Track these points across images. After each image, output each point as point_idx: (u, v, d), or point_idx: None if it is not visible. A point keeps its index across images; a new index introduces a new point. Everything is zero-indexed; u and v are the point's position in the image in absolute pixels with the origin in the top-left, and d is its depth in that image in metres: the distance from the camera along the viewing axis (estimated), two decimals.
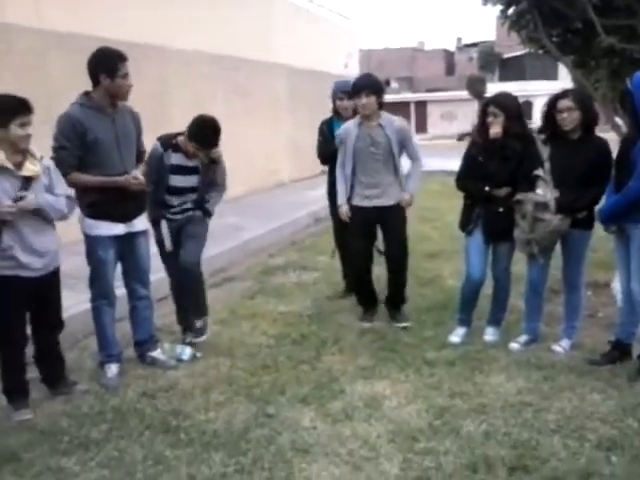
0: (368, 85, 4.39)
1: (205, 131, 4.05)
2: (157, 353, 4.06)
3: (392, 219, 4.54)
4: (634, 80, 3.46)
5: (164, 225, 4.18)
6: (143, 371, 3.93)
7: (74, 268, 4.21)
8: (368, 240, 4.66)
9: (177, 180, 4.12)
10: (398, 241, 4.58)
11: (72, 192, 3.51)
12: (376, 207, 4.48)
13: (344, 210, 4.57)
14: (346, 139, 4.51)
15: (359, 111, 4.48)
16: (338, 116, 5.04)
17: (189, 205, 4.24)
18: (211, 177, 4.24)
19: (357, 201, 4.54)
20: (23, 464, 2.90)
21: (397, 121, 4.55)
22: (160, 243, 4.26)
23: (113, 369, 3.83)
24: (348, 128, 4.52)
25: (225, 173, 4.37)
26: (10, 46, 6.77)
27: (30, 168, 3.23)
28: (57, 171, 3.42)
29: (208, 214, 4.28)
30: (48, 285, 3.40)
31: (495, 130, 3.96)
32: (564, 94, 3.83)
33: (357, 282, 4.86)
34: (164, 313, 4.97)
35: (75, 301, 4.53)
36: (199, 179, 4.19)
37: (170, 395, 3.58)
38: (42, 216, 3.29)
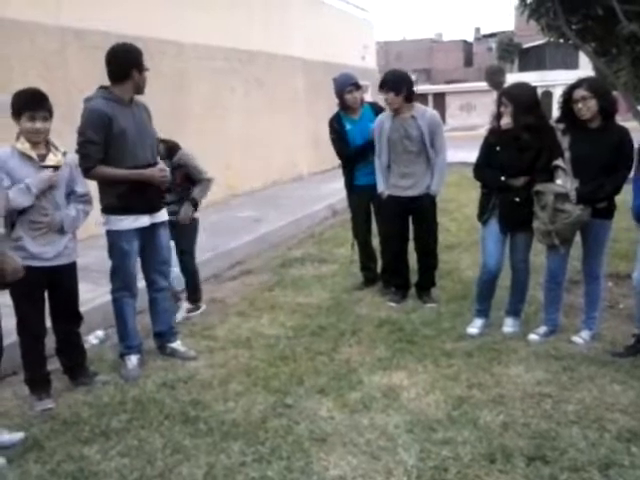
0: (389, 82, 4.58)
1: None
2: (177, 344, 4.10)
3: (423, 207, 4.73)
4: None
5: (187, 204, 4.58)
6: (163, 362, 3.97)
7: (94, 262, 4.28)
8: (401, 227, 4.86)
9: None
10: (428, 227, 4.83)
11: (89, 191, 3.55)
12: (408, 197, 4.67)
13: (385, 196, 4.78)
14: (380, 131, 4.68)
15: (386, 105, 4.70)
16: (346, 110, 5.07)
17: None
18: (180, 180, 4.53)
19: (391, 191, 4.74)
20: (46, 452, 2.95)
21: (429, 112, 4.72)
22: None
23: (133, 360, 3.88)
24: (382, 120, 4.71)
25: (198, 169, 4.64)
26: (31, 43, 6.86)
27: (52, 159, 3.30)
28: (79, 169, 3.48)
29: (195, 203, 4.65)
30: (63, 276, 3.44)
31: (505, 121, 3.96)
32: (579, 83, 3.79)
33: (393, 263, 5.05)
34: (184, 305, 5.02)
35: (96, 293, 4.60)
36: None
37: (189, 386, 3.62)
38: (56, 228, 3.35)
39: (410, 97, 4.60)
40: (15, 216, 3.19)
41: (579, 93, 3.73)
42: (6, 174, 3.16)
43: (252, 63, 11.39)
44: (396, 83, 4.56)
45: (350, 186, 5.20)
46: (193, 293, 4.93)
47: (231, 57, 10.73)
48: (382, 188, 4.79)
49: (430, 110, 4.77)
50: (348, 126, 5.03)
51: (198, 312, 4.92)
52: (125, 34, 6.59)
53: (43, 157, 3.29)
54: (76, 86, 6.30)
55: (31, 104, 3.22)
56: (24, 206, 3.20)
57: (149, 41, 7.63)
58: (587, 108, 3.72)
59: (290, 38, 13.09)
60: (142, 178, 3.66)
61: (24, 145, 3.23)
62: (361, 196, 5.10)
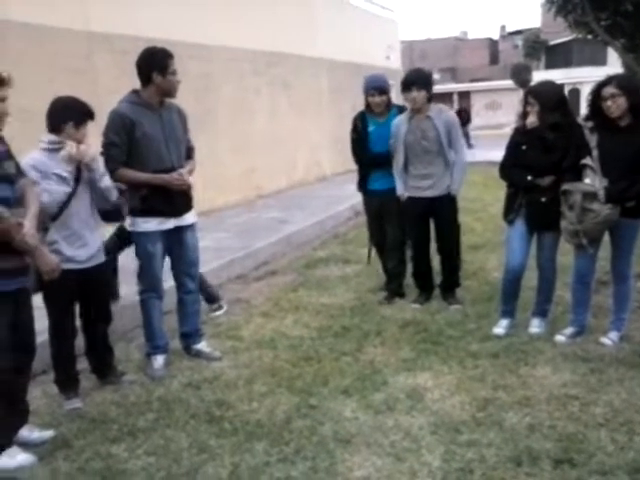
0: (418, 80, 4.53)
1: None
2: (202, 345, 4.13)
3: (444, 208, 4.69)
4: None
5: None
6: (188, 362, 4.01)
7: (122, 262, 4.34)
8: (423, 228, 4.83)
9: None
10: (450, 228, 4.78)
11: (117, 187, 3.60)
12: (427, 197, 4.65)
13: (404, 198, 4.75)
14: (397, 134, 4.65)
15: (410, 105, 4.58)
16: (371, 111, 4.94)
17: None
18: None
19: (411, 192, 4.71)
20: (74, 450, 3.01)
21: (445, 111, 4.68)
22: None
23: (159, 360, 3.92)
24: (398, 123, 4.67)
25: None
26: (59, 48, 6.99)
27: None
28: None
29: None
30: (95, 278, 3.49)
31: (531, 119, 3.92)
32: (608, 81, 3.72)
33: (415, 265, 5.03)
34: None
35: (124, 293, 4.67)
36: None
37: (214, 386, 3.65)
38: (99, 193, 3.42)
39: (431, 97, 4.58)
40: (48, 221, 3.26)
41: (608, 90, 3.67)
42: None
43: (277, 65, 11.45)
44: (425, 81, 4.54)
45: (363, 190, 5.12)
46: (207, 294, 4.91)
47: (257, 59, 10.80)
48: (401, 191, 4.74)
49: (446, 109, 4.72)
50: (371, 127, 4.90)
51: (222, 311, 4.95)
52: (153, 38, 6.67)
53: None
54: (104, 91, 6.40)
55: (92, 113, 3.35)
56: (64, 198, 3.26)
57: (176, 44, 7.70)
58: (616, 106, 3.65)
59: (315, 39, 13.13)
60: (161, 183, 3.69)
61: None
62: (374, 200, 5.02)
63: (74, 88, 3.88)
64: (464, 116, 21.49)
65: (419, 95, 4.49)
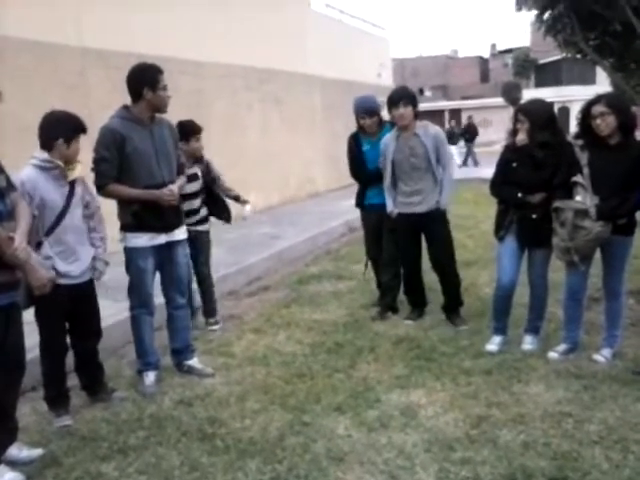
0: (405, 96, 4.57)
1: (180, 125, 4.51)
2: (193, 361, 4.10)
3: (435, 224, 4.69)
4: None
5: None
6: (180, 379, 3.98)
7: (112, 278, 4.29)
8: (414, 244, 4.84)
9: (185, 187, 4.35)
10: (443, 245, 4.76)
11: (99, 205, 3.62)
12: (418, 213, 4.65)
13: (394, 215, 4.77)
14: (385, 152, 4.69)
15: (396, 122, 4.63)
16: (364, 131, 5.02)
17: (198, 217, 4.83)
18: (213, 176, 4.93)
19: (400, 208, 4.72)
20: (64, 469, 2.96)
21: (431, 127, 4.71)
22: None
23: (151, 377, 3.89)
24: (387, 142, 4.70)
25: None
26: (53, 64, 7.00)
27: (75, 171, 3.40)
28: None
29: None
30: (85, 294, 3.48)
31: (520, 137, 3.96)
32: (598, 99, 3.76)
33: (407, 282, 5.02)
34: (201, 322, 5.04)
35: (114, 310, 4.63)
36: (201, 184, 4.81)
37: (206, 403, 3.62)
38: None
39: (417, 114, 4.62)
40: (42, 235, 3.24)
41: (598, 109, 3.71)
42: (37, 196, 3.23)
43: (269, 81, 11.51)
44: (411, 98, 4.58)
45: (361, 205, 5.19)
46: (211, 307, 5.01)
47: (249, 75, 10.85)
48: (391, 207, 4.76)
49: (432, 126, 4.74)
50: (366, 147, 4.98)
51: (218, 327, 4.96)
52: (145, 54, 6.70)
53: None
54: (97, 106, 6.40)
55: (84, 127, 3.35)
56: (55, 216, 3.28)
57: (169, 60, 7.75)
58: (606, 124, 3.69)
59: (307, 56, 13.22)
60: (152, 198, 3.68)
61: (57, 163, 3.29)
62: (372, 215, 5.06)
63: (67, 103, 3.88)
64: (472, 132, 21.19)
65: (406, 111, 4.52)
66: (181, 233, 3.95)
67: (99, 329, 3.66)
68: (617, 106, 3.71)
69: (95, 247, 3.51)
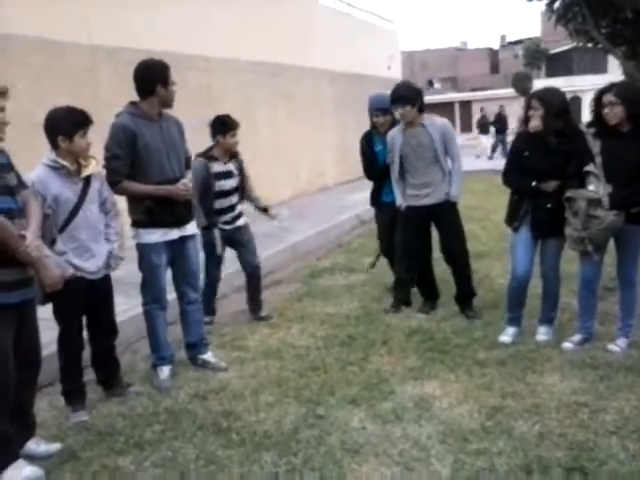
0: (403, 97, 4.55)
1: (217, 120, 4.72)
2: (208, 355, 4.12)
3: (445, 215, 4.68)
4: None
5: (216, 232, 4.72)
6: (194, 373, 4.00)
7: (126, 274, 4.32)
8: (424, 236, 4.84)
9: (221, 185, 4.70)
10: (454, 236, 4.75)
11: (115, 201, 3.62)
12: (427, 205, 4.64)
13: (403, 208, 4.78)
14: (392, 146, 4.69)
15: (400, 119, 4.65)
16: (376, 130, 5.05)
17: (235, 213, 4.85)
18: (245, 177, 4.93)
19: (410, 201, 4.72)
20: (82, 463, 2.99)
21: (438, 120, 4.70)
22: (209, 247, 4.75)
23: (165, 371, 3.91)
24: (393, 136, 4.70)
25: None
26: (63, 61, 7.03)
27: (89, 168, 3.39)
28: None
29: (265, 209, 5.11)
30: (101, 290, 3.50)
31: (534, 123, 3.91)
32: (609, 88, 3.73)
33: (419, 274, 5.01)
34: (216, 316, 5.06)
35: (128, 306, 4.67)
36: (237, 180, 4.82)
37: (221, 396, 3.63)
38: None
39: (422, 108, 4.60)
40: (55, 233, 3.26)
41: (607, 98, 3.68)
42: (49, 194, 3.23)
43: (279, 76, 11.50)
44: (410, 96, 4.54)
45: (376, 203, 5.21)
46: (258, 300, 5.13)
47: (258, 70, 10.85)
48: (400, 201, 4.76)
49: (439, 118, 4.73)
50: (379, 146, 4.99)
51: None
52: (154, 50, 6.71)
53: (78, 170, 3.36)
54: (107, 103, 6.42)
55: (88, 120, 3.32)
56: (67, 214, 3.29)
57: (177, 56, 7.75)
58: (614, 114, 3.67)
59: (316, 50, 13.19)
60: (165, 194, 3.70)
61: (65, 161, 3.29)
62: (386, 213, 5.07)
63: (77, 100, 3.89)
64: (502, 122, 20.44)
65: (405, 111, 4.51)
66: (192, 228, 3.96)
67: (115, 326, 3.68)
68: (626, 96, 3.67)
69: (110, 242, 3.51)
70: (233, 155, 4.82)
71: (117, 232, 3.56)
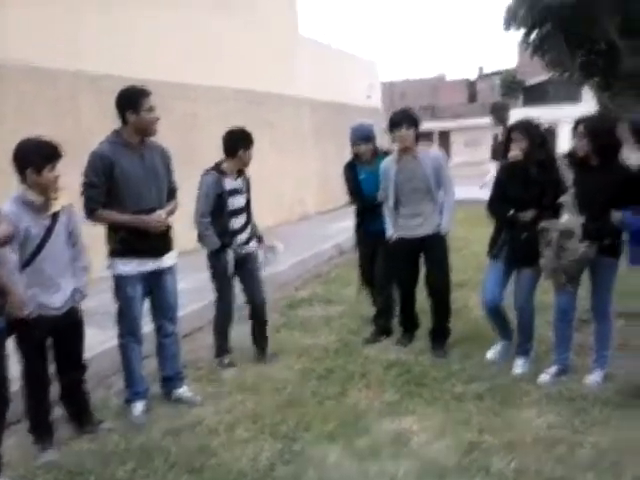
0: (406, 118, 4.58)
1: (243, 133, 4.60)
2: (183, 390, 4.05)
3: (434, 248, 4.68)
4: None
5: (230, 253, 4.49)
6: (169, 408, 3.93)
7: (100, 305, 4.26)
8: (413, 268, 4.80)
9: (233, 202, 4.50)
10: (441, 271, 4.73)
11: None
12: (418, 237, 4.63)
13: (393, 239, 4.75)
14: (387, 175, 4.68)
15: (396, 145, 4.65)
16: (359, 159, 5.08)
17: (247, 234, 4.62)
18: (250, 195, 4.70)
19: (401, 232, 4.70)
20: None
21: (432, 152, 4.76)
22: (220, 271, 4.53)
23: (139, 407, 3.84)
24: (387, 165, 4.71)
25: None
26: (45, 88, 7.01)
27: (58, 202, 3.35)
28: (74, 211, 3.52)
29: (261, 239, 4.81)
30: (68, 323, 3.43)
31: (514, 153, 4.00)
32: (581, 120, 3.84)
33: (402, 305, 5.00)
34: (190, 349, 4.99)
35: (102, 338, 4.57)
36: (245, 198, 4.62)
37: (195, 432, 3.57)
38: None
39: (418, 137, 4.63)
40: (20, 266, 3.20)
41: (578, 130, 3.79)
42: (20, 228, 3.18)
43: (261, 104, 11.57)
44: (413, 120, 4.58)
45: (358, 232, 5.23)
46: (265, 341, 4.84)
47: (241, 98, 10.91)
48: (391, 231, 4.74)
49: (433, 150, 4.78)
50: (362, 175, 5.03)
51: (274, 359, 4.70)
52: (137, 78, 6.71)
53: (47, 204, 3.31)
54: (89, 131, 6.40)
55: (58, 154, 3.27)
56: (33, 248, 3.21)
57: (161, 84, 7.78)
58: (581, 146, 3.77)
59: (297, 79, 13.32)
60: (140, 224, 3.66)
61: (33, 195, 3.24)
62: (368, 242, 5.09)
63: (59, 127, 3.87)
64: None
65: (408, 133, 4.51)
66: (170, 259, 3.91)
67: (83, 361, 3.61)
68: (592, 129, 3.76)
69: (76, 277, 3.46)
70: (240, 172, 4.62)
71: (84, 267, 3.52)
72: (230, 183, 4.48)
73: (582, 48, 8.50)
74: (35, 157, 3.20)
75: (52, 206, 3.31)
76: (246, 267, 4.63)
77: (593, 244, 3.73)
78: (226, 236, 4.46)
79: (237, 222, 4.52)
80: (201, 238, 4.49)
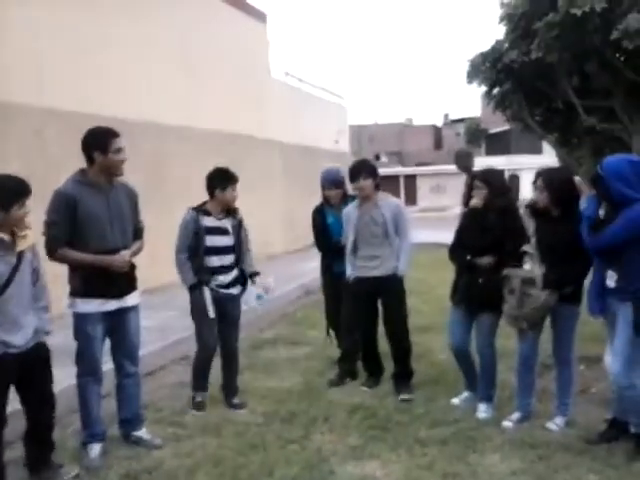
0: (365, 169, 4.72)
1: (219, 172, 4.52)
2: (142, 432, 3.95)
3: (390, 290, 4.74)
4: (604, 165, 3.52)
5: (207, 292, 4.37)
6: (127, 451, 3.81)
7: (59, 342, 4.16)
8: (370, 310, 4.85)
9: (213, 240, 4.40)
10: (398, 313, 4.78)
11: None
12: (374, 277, 4.70)
13: (352, 279, 4.81)
14: (348, 220, 4.81)
15: (357, 194, 4.78)
16: (328, 203, 5.22)
17: (230, 276, 4.48)
18: (241, 237, 4.61)
19: (358, 272, 4.79)
20: None
21: (392, 199, 4.91)
22: (198, 308, 4.41)
23: (96, 449, 3.71)
24: (349, 211, 4.84)
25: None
26: (12, 124, 6.95)
27: (24, 242, 3.27)
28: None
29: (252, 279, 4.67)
30: (33, 361, 3.33)
31: (474, 201, 4.14)
32: (540, 173, 3.99)
33: (364, 348, 5.02)
34: (151, 389, 4.88)
35: (60, 377, 4.42)
36: (232, 239, 4.49)
37: (153, 477, 3.46)
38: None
39: (378, 185, 4.77)
40: None
41: (538, 183, 3.93)
42: None
43: (230, 145, 11.66)
44: (371, 170, 4.73)
45: (325, 274, 5.31)
46: (234, 386, 4.71)
47: (209, 139, 10.98)
48: (349, 272, 4.83)
49: (393, 199, 4.93)
50: (330, 219, 5.18)
51: (244, 411, 4.50)
52: (104, 115, 6.74)
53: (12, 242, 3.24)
54: (55, 167, 6.35)
55: (27, 191, 3.21)
56: None
57: (129, 122, 7.80)
58: (541, 198, 3.91)
59: (267, 122, 13.50)
60: (102, 264, 3.61)
61: (1, 233, 3.16)
62: (335, 284, 5.15)
63: (24, 164, 3.83)
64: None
65: (366, 183, 4.66)
66: (133, 299, 3.86)
67: (51, 398, 3.48)
68: (549, 182, 3.89)
69: (38, 317, 3.37)
70: (231, 211, 4.54)
71: (45, 306, 3.45)
72: (211, 221, 4.42)
73: (540, 106, 8.92)
74: (3, 194, 3.15)
75: (19, 244, 3.25)
76: (226, 310, 4.50)
77: (554, 292, 3.82)
78: (202, 274, 4.38)
79: (216, 261, 4.41)
80: (179, 273, 4.45)
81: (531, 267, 3.92)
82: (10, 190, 3.18)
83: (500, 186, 4.17)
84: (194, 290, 4.40)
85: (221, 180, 4.44)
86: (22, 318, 3.27)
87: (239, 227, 4.57)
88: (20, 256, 3.25)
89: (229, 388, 4.65)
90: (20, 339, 3.25)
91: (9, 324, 3.21)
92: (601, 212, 3.59)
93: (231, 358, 4.66)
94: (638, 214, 3.37)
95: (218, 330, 4.53)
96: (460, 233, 4.34)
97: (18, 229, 3.23)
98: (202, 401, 4.52)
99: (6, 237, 3.18)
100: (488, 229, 4.09)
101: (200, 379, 4.58)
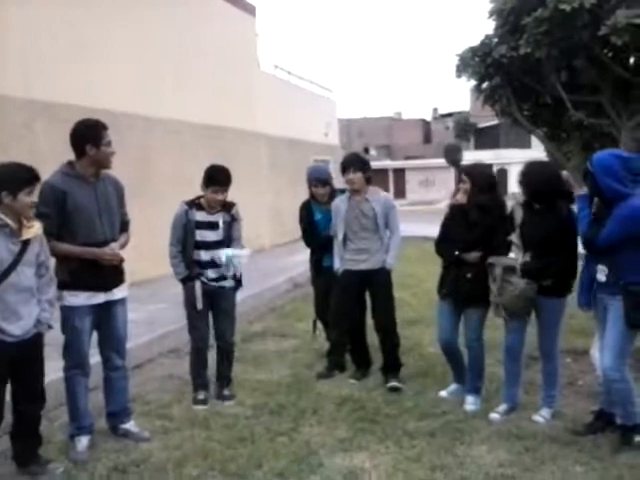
0: (355, 162, 4.75)
1: (208, 170, 4.42)
2: (130, 425, 3.93)
3: (379, 283, 4.77)
4: (593, 161, 3.54)
5: (197, 285, 4.38)
6: (115, 443, 3.80)
7: (46, 335, 4.14)
8: (359, 302, 4.90)
9: (202, 234, 4.39)
10: (385, 304, 4.80)
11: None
12: (363, 270, 4.72)
13: (340, 272, 4.84)
14: (337, 212, 4.81)
15: (347, 187, 4.79)
16: (315, 200, 5.22)
17: (218, 272, 4.43)
18: (231, 232, 4.52)
19: (347, 265, 4.80)
20: None
21: (382, 193, 4.91)
22: (189, 301, 4.43)
23: (83, 442, 3.70)
24: (338, 204, 4.84)
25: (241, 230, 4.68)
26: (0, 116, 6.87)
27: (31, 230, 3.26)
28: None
29: (239, 284, 4.64)
30: (28, 353, 3.30)
31: (459, 196, 4.18)
32: (521, 170, 4.03)
33: (352, 340, 5.03)
34: (139, 382, 4.88)
35: (47, 370, 4.40)
36: (222, 233, 4.43)
37: (142, 470, 3.45)
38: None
39: (369, 179, 4.76)
40: None
41: (520, 176, 3.98)
42: None
43: (218, 138, 11.60)
44: (362, 164, 4.75)
45: (315, 268, 5.31)
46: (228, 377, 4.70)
47: (197, 132, 10.91)
48: (337, 266, 4.86)
49: (383, 193, 4.94)
50: (318, 216, 5.18)
51: (233, 401, 4.50)
52: (92, 107, 6.68)
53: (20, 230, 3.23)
54: (43, 159, 6.28)
55: (36, 178, 3.20)
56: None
57: (117, 115, 7.73)
58: (521, 191, 3.97)
59: (255, 115, 13.43)
60: (91, 257, 3.60)
61: (7, 219, 3.15)
62: (324, 278, 5.16)
63: (12, 156, 3.79)
64: None
65: (356, 176, 4.67)
66: (121, 291, 3.84)
67: (42, 393, 3.45)
68: (527, 181, 3.93)
69: (41, 309, 3.34)
70: (227, 206, 4.48)
71: (49, 300, 3.41)
72: (202, 216, 4.39)
73: (529, 100, 8.96)
74: (12, 180, 3.14)
75: (24, 233, 3.22)
76: (218, 301, 4.50)
77: (533, 282, 3.84)
78: (192, 267, 4.39)
79: (206, 255, 4.39)
80: (171, 266, 4.47)
81: (516, 256, 3.98)
82: (19, 176, 3.17)
83: (483, 182, 4.15)
84: (185, 283, 4.42)
85: (206, 179, 4.41)
86: (22, 308, 3.23)
87: (231, 222, 4.49)
88: (25, 246, 3.22)
89: (223, 380, 4.65)
90: (18, 329, 3.21)
91: (8, 312, 3.17)
92: (593, 209, 3.60)
93: (227, 352, 4.66)
94: (630, 211, 3.39)
95: (214, 325, 4.55)
96: (445, 227, 4.36)
97: (25, 217, 3.21)
98: (205, 399, 4.49)
99: (12, 223, 3.15)
100: (473, 224, 4.12)
101: (199, 378, 4.57)
